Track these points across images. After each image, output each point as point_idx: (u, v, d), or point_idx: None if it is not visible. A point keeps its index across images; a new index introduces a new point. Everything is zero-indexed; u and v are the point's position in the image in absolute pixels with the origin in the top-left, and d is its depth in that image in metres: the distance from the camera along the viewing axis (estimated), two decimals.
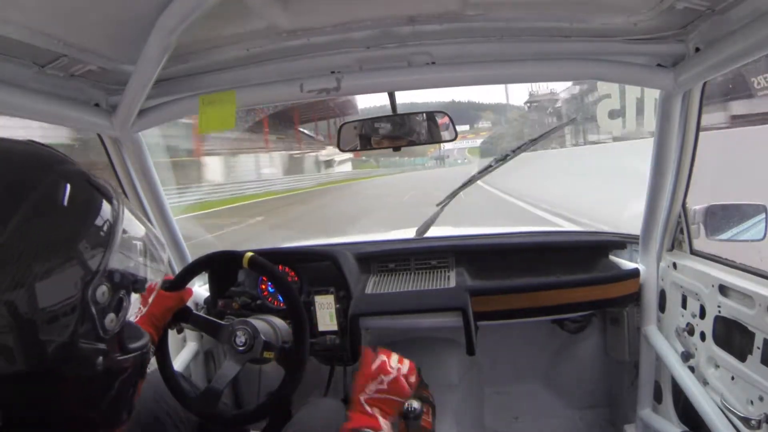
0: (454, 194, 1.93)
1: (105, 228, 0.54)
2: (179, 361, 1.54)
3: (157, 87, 1.16)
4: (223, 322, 1.07)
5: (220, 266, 1.52)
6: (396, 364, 0.96)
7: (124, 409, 0.61)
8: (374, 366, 0.95)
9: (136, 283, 0.58)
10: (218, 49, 1.12)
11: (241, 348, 1.02)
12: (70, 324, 0.50)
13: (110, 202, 0.56)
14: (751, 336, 1.06)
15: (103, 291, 0.53)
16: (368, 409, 0.90)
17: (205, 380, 1.73)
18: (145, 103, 1.18)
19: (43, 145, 0.56)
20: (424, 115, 1.41)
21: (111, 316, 0.55)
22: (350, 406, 0.93)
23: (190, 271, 1.10)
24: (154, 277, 0.63)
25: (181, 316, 1.06)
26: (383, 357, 0.96)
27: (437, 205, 1.93)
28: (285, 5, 0.94)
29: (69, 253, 0.50)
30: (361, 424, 0.87)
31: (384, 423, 0.89)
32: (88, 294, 0.51)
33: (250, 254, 1.04)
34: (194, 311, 1.09)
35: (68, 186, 0.52)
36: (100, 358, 0.54)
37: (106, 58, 1.02)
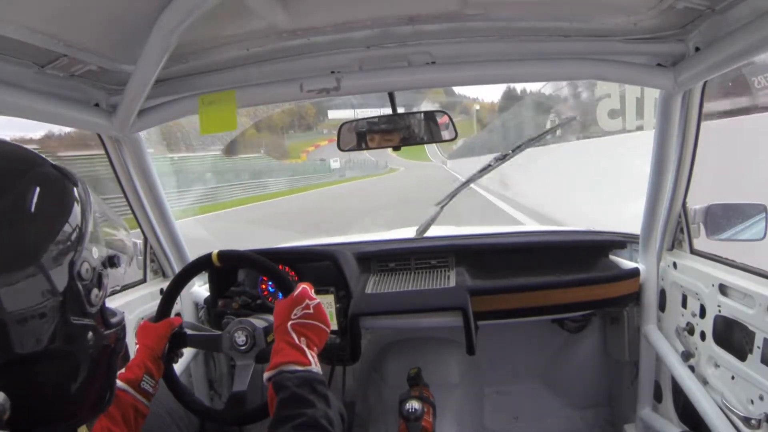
0: (453, 194, 1.94)
1: (84, 217, 0.59)
2: (179, 363, 1.54)
3: (157, 87, 1.16)
4: (219, 332, 1.07)
5: (208, 272, 1.53)
6: (314, 294, 0.95)
7: (108, 388, 0.64)
8: (297, 292, 0.92)
9: (112, 259, 0.64)
10: (218, 49, 1.12)
11: (243, 347, 1.02)
12: (64, 300, 0.55)
13: (79, 187, 0.61)
14: (751, 335, 1.06)
15: (86, 268, 0.57)
16: (296, 338, 0.86)
17: (205, 380, 1.73)
18: (145, 103, 1.18)
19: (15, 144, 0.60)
20: (424, 114, 1.41)
21: (95, 291, 0.59)
22: (276, 333, 0.89)
23: (169, 298, 1.11)
24: (124, 253, 0.68)
25: (178, 342, 1.05)
26: (305, 285, 0.94)
27: (437, 204, 1.94)
28: (285, 5, 0.94)
29: (56, 238, 0.55)
30: (289, 359, 0.83)
31: (311, 357, 0.85)
32: (75, 273, 0.56)
33: (216, 251, 1.04)
34: (189, 332, 1.08)
35: (49, 186, 0.57)
36: (90, 333, 0.58)
37: (106, 58, 1.02)
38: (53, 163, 0.60)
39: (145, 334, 1.01)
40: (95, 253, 0.60)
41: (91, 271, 0.58)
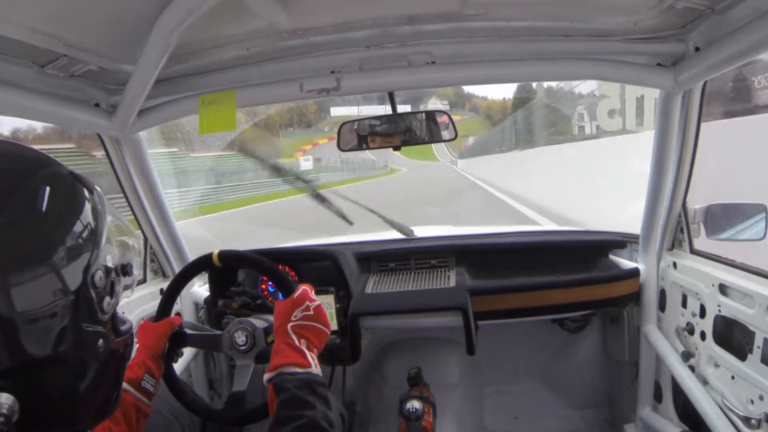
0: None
1: (97, 221, 0.59)
2: (179, 363, 1.54)
3: (157, 87, 1.16)
4: (219, 332, 1.07)
5: (208, 272, 1.53)
6: (315, 296, 0.94)
7: (114, 394, 0.64)
8: (297, 294, 0.92)
9: (125, 267, 0.64)
10: (218, 49, 1.12)
11: (243, 347, 1.02)
12: (76, 303, 0.55)
13: (94, 194, 0.61)
14: (751, 335, 1.06)
15: (100, 276, 0.58)
16: (295, 340, 0.86)
17: (205, 380, 1.73)
18: (145, 103, 1.18)
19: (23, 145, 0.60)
20: (424, 114, 1.42)
21: (107, 299, 0.59)
22: (276, 334, 0.89)
23: (169, 298, 1.11)
24: (133, 261, 0.68)
25: (178, 341, 1.05)
26: (305, 286, 0.94)
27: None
28: (285, 5, 0.94)
29: (66, 237, 0.55)
30: (289, 361, 0.83)
31: (311, 358, 0.85)
32: (88, 279, 0.56)
33: (217, 251, 1.04)
34: (189, 332, 1.08)
35: (59, 185, 0.58)
36: (101, 341, 0.59)
37: (106, 58, 1.02)
38: (69, 168, 0.60)
39: (145, 333, 1.01)
40: (109, 261, 0.60)
41: (104, 279, 0.58)
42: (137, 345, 1.00)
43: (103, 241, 0.59)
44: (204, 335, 1.11)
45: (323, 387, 0.81)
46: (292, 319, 0.89)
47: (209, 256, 1.06)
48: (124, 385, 0.89)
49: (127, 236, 0.68)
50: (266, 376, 0.83)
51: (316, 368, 0.85)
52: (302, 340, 0.87)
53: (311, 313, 0.91)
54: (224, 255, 1.05)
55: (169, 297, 1.11)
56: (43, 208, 0.54)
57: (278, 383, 0.80)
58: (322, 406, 0.77)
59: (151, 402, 0.93)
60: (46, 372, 0.53)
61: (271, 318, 1.06)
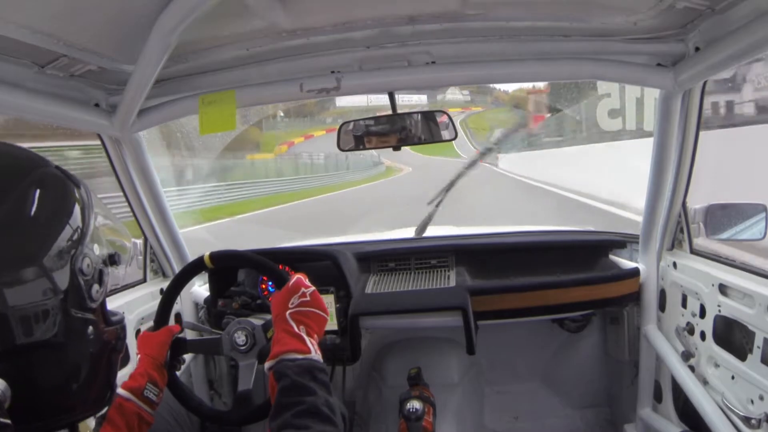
0: (448, 189, 1.96)
1: (85, 215, 0.61)
2: None
3: (157, 87, 1.16)
4: (218, 333, 1.07)
5: (208, 272, 1.53)
6: (309, 283, 0.94)
7: (108, 387, 0.65)
8: (292, 282, 0.92)
9: (112, 257, 0.65)
10: (218, 49, 1.12)
11: (244, 347, 1.02)
12: (65, 297, 0.57)
13: (81, 188, 0.63)
14: (751, 335, 1.06)
15: (88, 263, 0.59)
16: (294, 327, 0.86)
17: (205, 380, 1.73)
18: (145, 103, 1.18)
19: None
20: (424, 114, 1.42)
21: (96, 287, 0.61)
22: (275, 324, 0.89)
23: (166, 304, 1.11)
24: (123, 253, 0.70)
25: (179, 349, 1.06)
26: (299, 275, 0.94)
27: (430, 203, 1.95)
28: (285, 5, 0.94)
29: (57, 239, 0.57)
30: (288, 348, 0.82)
31: (311, 344, 0.84)
32: (76, 267, 0.58)
33: (208, 253, 1.05)
34: (189, 338, 1.08)
35: (50, 187, 0.59)
36: (90, 328, 0.60)
37: (106, 58, 1.02)
38: (56, 164, 0.60)
39: (145, 343, 1.01)
40: (96, 250, 0.61)
41: (92, 267, 0.59)
42: (139, 355, 1.00)
43: (90, 232, 0.60)
44: (204, 340, 1.11)
45: (324, 373, 0.81)
46: (290, 306, 0.88)
47: (201, 259, 1.06)
48: (127, 394, 0.90)
49: (116, 235, 0.69)
50: (267, 365, 0.83)
51: (316, 354, 0.84)
52: (301, 327, 0.86)
53: (308, 299, 0.90)
54: (216, 256, 1.05)
55: (166, 302, 1.11)
56: (36, 210, 0.56)
57: (278, 370, 0.80)
58: (322, 391, 0.77)
59: (154, 411, 0.93)
60: (37, 358, 0.54)
61: (269, 316, 1.05)
